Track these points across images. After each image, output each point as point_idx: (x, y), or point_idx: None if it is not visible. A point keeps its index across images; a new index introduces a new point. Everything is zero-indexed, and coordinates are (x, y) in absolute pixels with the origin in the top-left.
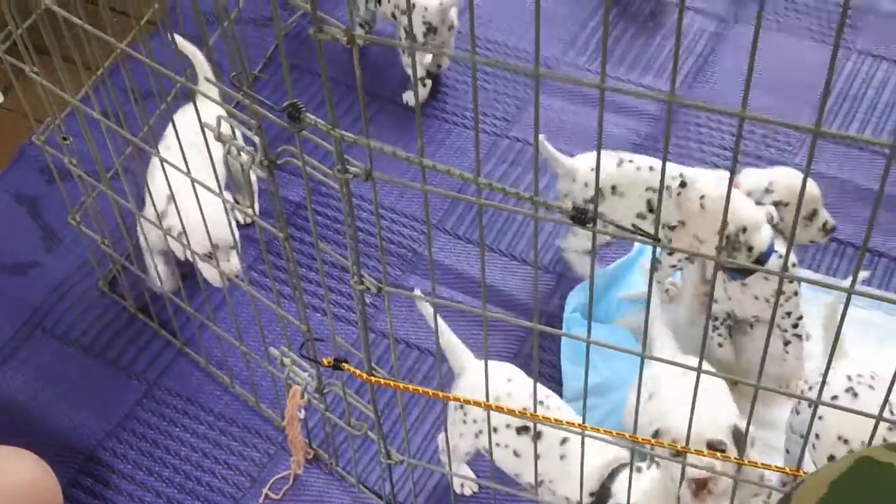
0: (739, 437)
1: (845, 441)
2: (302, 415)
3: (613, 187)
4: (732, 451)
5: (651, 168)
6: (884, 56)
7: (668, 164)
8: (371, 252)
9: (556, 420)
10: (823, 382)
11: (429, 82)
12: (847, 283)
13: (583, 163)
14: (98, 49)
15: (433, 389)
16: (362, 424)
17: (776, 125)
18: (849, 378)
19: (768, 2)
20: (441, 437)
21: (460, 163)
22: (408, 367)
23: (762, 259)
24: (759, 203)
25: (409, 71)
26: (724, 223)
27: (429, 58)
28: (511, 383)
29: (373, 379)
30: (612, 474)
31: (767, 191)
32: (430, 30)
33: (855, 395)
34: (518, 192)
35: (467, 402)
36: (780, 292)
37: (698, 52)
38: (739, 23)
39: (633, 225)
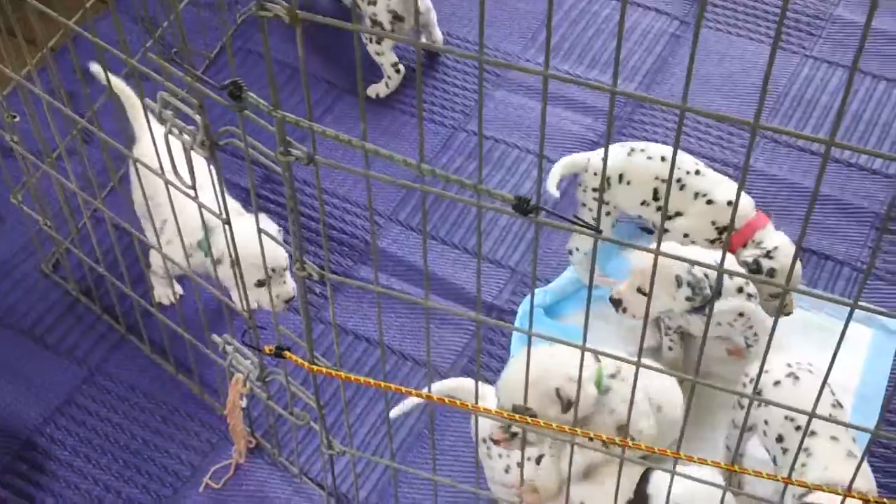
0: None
1: (791, 419)
2: (244, 403)
3: (620, 175)
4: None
5: (663, 158)
6: (839, 63)
7: (685, 156)
8: (321, 240)
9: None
10: (761, 371)
11: (402, 68)
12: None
13: (595, 154)
14: (45, 26)
15: (376, 380)
16: (305, 415)
17: (717, 119)
18: (789, 365)
19: (728, 7)
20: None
21: (416, 155)
22: (355, 359)
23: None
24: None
25: (377, 59)
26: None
27: (390, 51)
28: None
29: (315, 368)
30: None
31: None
32: (397, 18)
33: (796, 378)
34: (460, 179)
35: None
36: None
37: (657, 52)
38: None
39: (575, 215)
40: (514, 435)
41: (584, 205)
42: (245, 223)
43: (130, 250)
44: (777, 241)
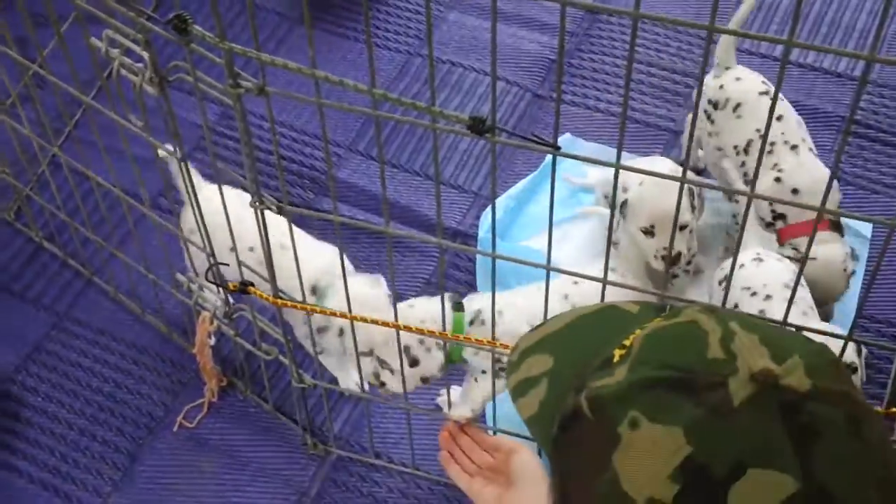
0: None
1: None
2: (212, 341)
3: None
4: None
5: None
6: None
7: (793, 122)
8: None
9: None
10: (735, 258)
11: None
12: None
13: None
14: None
15: (341, 311)
16: (274, 349)
17: (672, 24)
18: (757, 253)
19: None
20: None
21: (377, 83)
22: None
23: None
24: None
25: None
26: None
27: None
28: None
29: (279, 302)
30: None
31: None
32: None
33: (760, 260)
34: (414, 103)
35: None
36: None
37: None
38: None
39: (533, 133)
40: (383, 385)
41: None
42: (359, 284)
43: (91, 195)
44: (818, 254)
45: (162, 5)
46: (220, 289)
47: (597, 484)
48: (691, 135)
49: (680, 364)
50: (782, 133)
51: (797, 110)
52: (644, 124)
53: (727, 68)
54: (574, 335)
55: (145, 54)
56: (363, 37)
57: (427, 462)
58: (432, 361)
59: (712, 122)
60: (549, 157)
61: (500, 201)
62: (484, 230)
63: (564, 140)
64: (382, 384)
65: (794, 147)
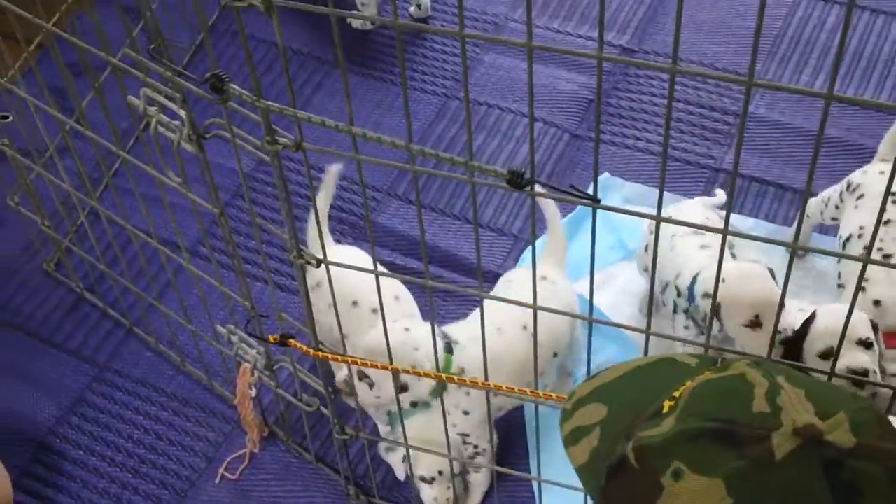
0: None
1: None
2: (253, 392)
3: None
4: None
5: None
6: (835, 0)
7: None
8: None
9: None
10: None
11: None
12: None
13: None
14: (27, 26)
15: (382, 363)
16: (315, 400)
17: (709, 77)
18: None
19: None
20: None
21: (414, 127)
22: None
23: None
24: None
25: (361, 8)
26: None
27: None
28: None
29: (320, 354)
30: None
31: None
32: None
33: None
34: (452, 157)
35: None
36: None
37: (648, 2)
38: None
39: (572, 186)
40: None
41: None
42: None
43: (130, 245)
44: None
45: (194, 58)
46: (261, 341)
47: None
48: (731, 189)
49: (724, 416)
50: (880, 240)
51: (837, 146)
52: (684, 162)
53: (882, 160)
54: (629, 386)
55: (182, 112)
56: (397, 80)
57: None
58: (422, 387)
59: (841, 199)
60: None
61: (539, 244)
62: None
63: (603, 179)
64: (350, 393)
65: (886, 256)
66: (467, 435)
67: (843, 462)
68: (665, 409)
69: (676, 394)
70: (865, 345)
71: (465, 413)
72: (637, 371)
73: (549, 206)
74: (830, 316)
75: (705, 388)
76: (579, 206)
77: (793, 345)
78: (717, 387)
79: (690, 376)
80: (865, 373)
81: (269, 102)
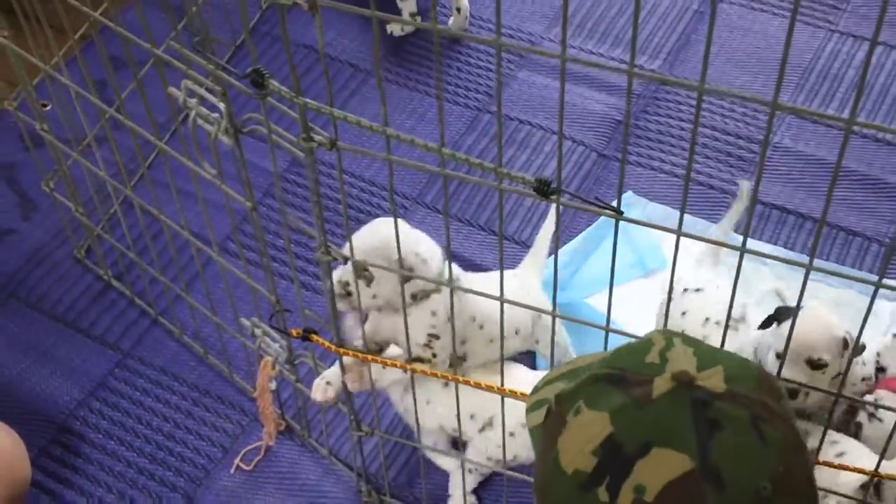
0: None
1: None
2: (273, 386)
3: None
4: None
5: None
6: (865, 37)
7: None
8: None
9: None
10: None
11: (419, 20)
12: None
13: None
14: (74, 16)
15: (402, 362)
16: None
17: (735, 97)
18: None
19: None
20: None
21: (445, 138)
22: None
23: None
24: None
25: (400, 4)
26: None
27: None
28: None
29: (341, 351)
30: None
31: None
32: None
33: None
34: (481, 163)
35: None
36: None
37: (680, 30)
38: (724, 1)
39: (599, 197)
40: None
41: None
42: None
43: (161, 236)
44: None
45: (233, 58)
46: (283, 335)
47: (546, 461)
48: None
49: (621, 365)
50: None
51: (858, 179)
52: (708, 186)
53: None
54: (587, 364)
55: (222, 105)
56: (432, 90)
57: None
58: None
59: None
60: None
61: (560, 254)
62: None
63: (627, 198)
64: (348, 294)
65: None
66: (437, 337)
67: (711, 402)
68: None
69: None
70: (814, 366)
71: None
72: (609, 354)
73: (548, 227)
74: (805, 322)
75: (621, 349)
76: (599, 221)
77: (764, 326)
78: (628, 347)
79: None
80: (793, 393)
81: (307, 100)
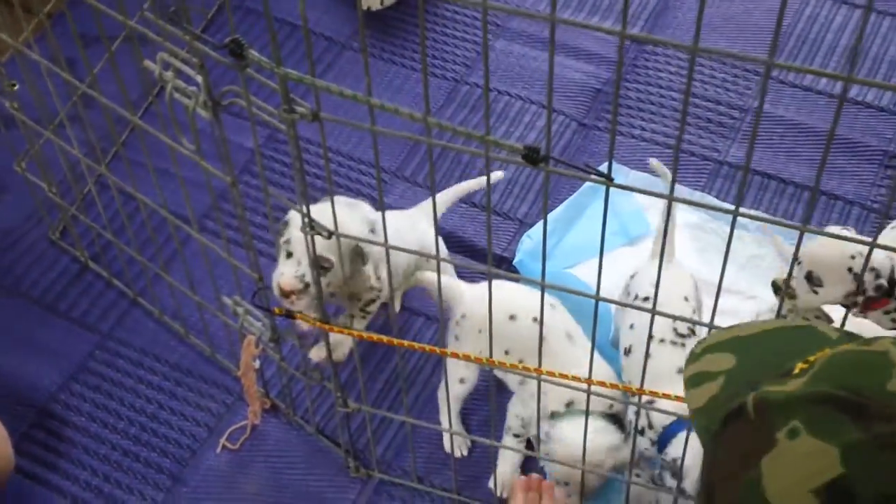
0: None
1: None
2: (257, 365)
3: None
4: None
5: None
6: (843, 0)
7: None
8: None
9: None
10: None
11: None
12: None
13: None
14: None
15: (388, 337)
16: (318, 374)
17: (730, 58)
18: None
19: None
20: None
21: (420, 109)
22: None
23: None
24: None
25: None
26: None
27: None
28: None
29: (326, 326)
30: None
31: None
32: None
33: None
34: (468, 131)
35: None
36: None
37: None
38: None
39: (586, 164)
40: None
41: None
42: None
43: (137, 215)
44: None
45: (211, 25)
46: (266, 313)
47: (741, 482)
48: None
49: (856, 388)
50: None
51: (839, 143)
52: (689, 154)
53: None
54: (764, 343)
55: (199, 78)
56: (409, 63)
57: (470, 487)
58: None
59: None
60: (587, 184)
61: (539, 227)
62: (520, 254)
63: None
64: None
65: None
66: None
67: None
68: (796, 371)
69: (811, 358)
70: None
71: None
72: (775, 331)
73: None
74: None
75: (843, 357)
76: (583, 189)
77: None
78: (856, 359)
79: (829, 345)
80: None
81: (288, 70)
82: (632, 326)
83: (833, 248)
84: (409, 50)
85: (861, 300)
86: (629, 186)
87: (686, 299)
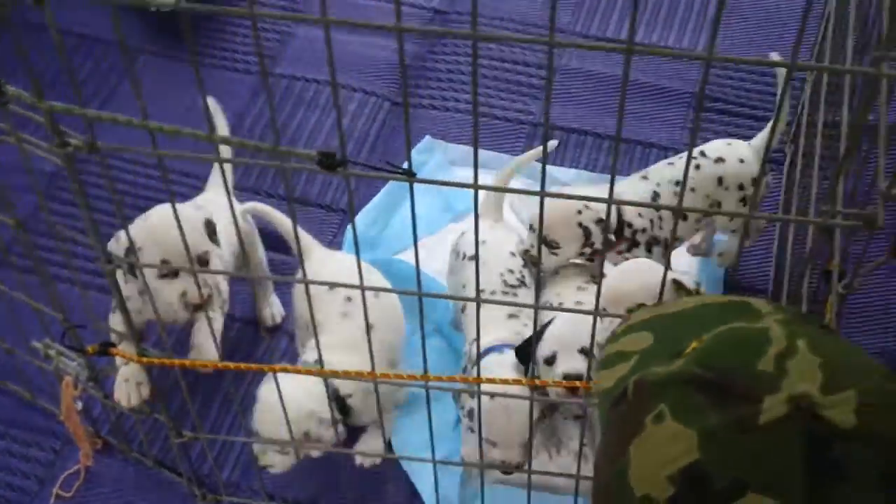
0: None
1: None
2: (79, 406)
3: None
4: None
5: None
6: None
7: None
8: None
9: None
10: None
11: None
12: None
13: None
14: None
15: (211, 361)
16: (146, 407)
17: (514, 41)
18: None
19: None
20: None
21: (232, 107)
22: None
23: None
24: None
25: None
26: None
27: None
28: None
29: (144, 360)
30: None
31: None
32: None
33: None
34: (257, 144)
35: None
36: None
37: None
38: None
39: (388, 162)
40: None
41: None
42: None
43: None
44: None
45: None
46: (80, 353)
47: (615, 467)
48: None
49: (726, 367)
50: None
51: (646, 91)
52: (503, 120)
53: None
54: (682, 321)
55: None
56: (205, 59)
57: (323, 498)
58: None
59: None
60: (404, 165)
61: (365, 214)
62: (346, 245)
63: (426, 143)
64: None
65: None
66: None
67: (833, 442)
68: (687, 350)
69: (705, 336)
70: (584, 353)
71: None
72: (698, 308)
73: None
74: (564, 324)
75: (727, 335)
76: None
77: (523, 350)
78: (736, 336)
79: (744, 321)
80: (578, 377)
81: (52, 102)
82: (464, 286)
83: (559, 208)
84: (202, 45)
85: (597, 248)
86: (431, 180)
87: (513, 255)
